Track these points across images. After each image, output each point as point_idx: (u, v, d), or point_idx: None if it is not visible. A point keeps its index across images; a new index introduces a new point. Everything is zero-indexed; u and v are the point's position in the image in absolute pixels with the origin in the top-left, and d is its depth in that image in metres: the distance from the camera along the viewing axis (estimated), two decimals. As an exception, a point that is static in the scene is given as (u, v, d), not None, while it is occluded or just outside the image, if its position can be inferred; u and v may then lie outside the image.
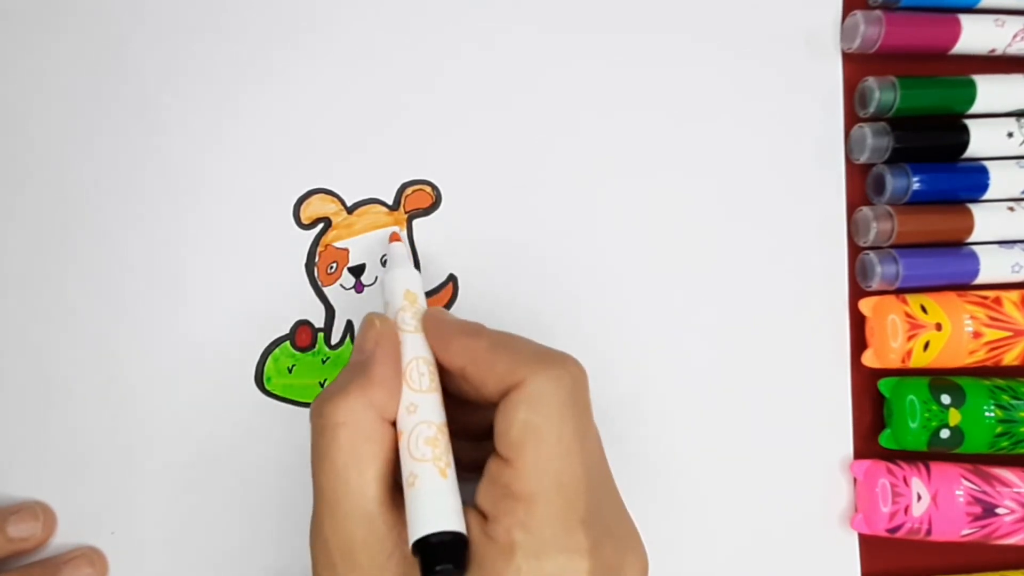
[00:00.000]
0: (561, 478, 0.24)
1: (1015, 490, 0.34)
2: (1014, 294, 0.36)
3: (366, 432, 0.25)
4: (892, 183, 0.36)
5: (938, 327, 0.35)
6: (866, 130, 0.36)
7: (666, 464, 0.36)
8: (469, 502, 0.25)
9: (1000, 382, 0.35)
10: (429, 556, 0.23)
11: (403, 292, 0.29)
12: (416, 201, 0.35)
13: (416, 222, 0.35)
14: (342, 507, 0.24)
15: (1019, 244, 0.36)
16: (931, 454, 0.36)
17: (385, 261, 0.35)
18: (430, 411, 0.26)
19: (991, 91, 0.36)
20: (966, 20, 0.36)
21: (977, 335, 0.35)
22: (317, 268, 0.34)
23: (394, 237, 0.34)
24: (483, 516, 0.24)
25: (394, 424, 0.26)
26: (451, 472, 0.25)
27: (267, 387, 0.34)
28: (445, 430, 0.26)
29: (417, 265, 0.35)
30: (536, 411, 0.24)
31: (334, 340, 0.35)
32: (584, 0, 0.36)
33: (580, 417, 0.25)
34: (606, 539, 0.24)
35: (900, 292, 0.36)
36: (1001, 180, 0.36)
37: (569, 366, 0.26)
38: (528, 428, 0.24)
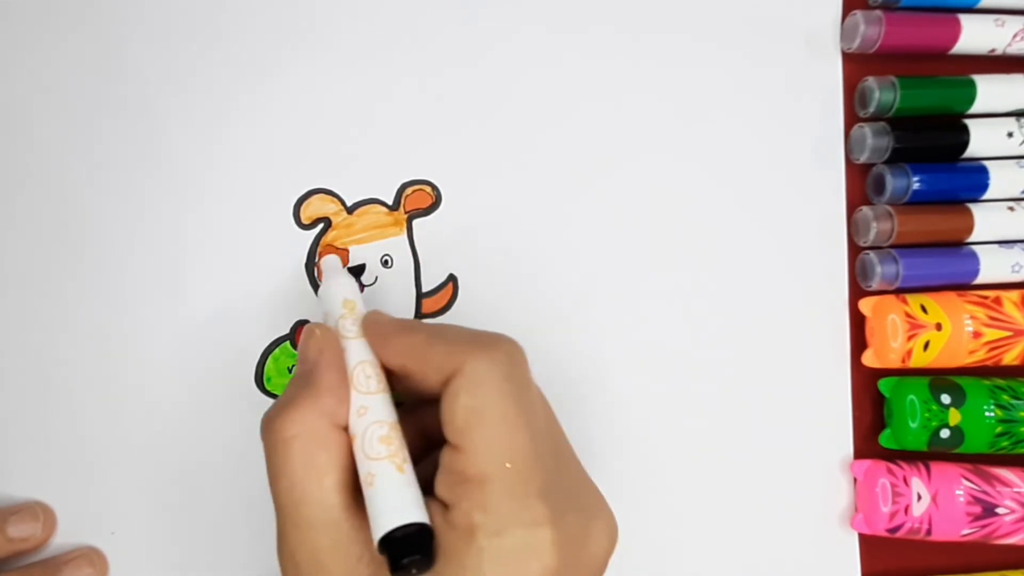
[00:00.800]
0: (511, 454, 0.24)
1: (1015, 490, 0.34)
2: (1014, 294, 0.36)
3: (320, 441, 0.25)
4: (892, 183, 0.36)
5: (938, 327, 0.35)
6: (866, 130, 0.36)
7: (666, 463, 0.36)
8: (429, 495, 0.25)
9: (1000, 382, 0.35)
10: (395, 551, 0.23)
11: (341, 301, 0.29)
12: (416, 201, 0.35)
13: (416, 222, 0.35)
14: (304, 519, 0.24)
15: (1019, 244, 0.36)
16: (931, 454, 0.36)
17: (386, 261, 0.35)
18: (380, 411, 0.26)
19: (991, 91, 0.36)
20: (966, 20, 0.36)
21: (977, 335, 0.35)
22: (317, 268, 0.34)
23: (328, 251, 0.34)
24: (444, 506, 0.24)
25: (346, 430, 0.26)
26: (408, 467, 0.25)
27: (267, 387, 0.34)
28: (398, 428, 0.26)
29: (417, 265, 0.35)
30: (476, 394, 0.24)
31: (334, 340, 0.34)
32: (585, 1, 0.36)
33: (520, 393, 0.25)
34: (568, 508, 0.24)
35: (900, 292, 0.36)
36: (1001, 180, 0.36)
37: (503, 345, 0.26)
38: (470, 412, 0.24)
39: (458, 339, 0.26)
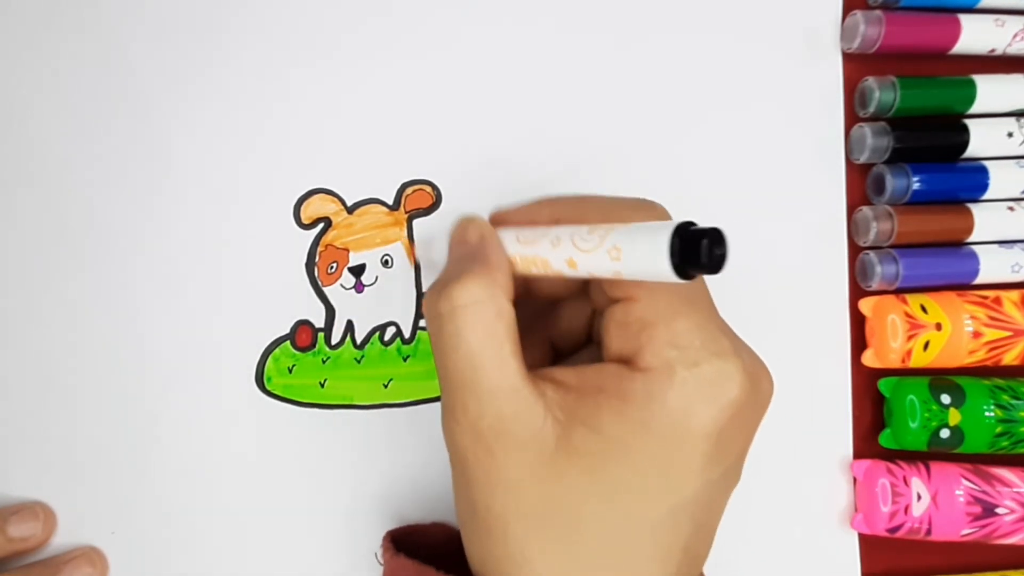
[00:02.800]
0: (689, 295, 0.24)
1: (1015, 490, 0.34)
2: (1014, 294, 0.36)
3: (496, 309, 0.24)
4: (892, 183, 0.36)
5: (938, 327, 0.35)
6: (866, 130, 0.36)
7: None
8: (601, 362, 0.25)
9: (1000, 382, 0.35)
10: (690, 238, 0.22)
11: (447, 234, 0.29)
12: (416, 201, 0.35)
13: (416, 222, 0.35)
14: (487, 387, 0.24)
15: (1019, 244, 0.36)
16: (931, 454, 0.36)
17: (386, 261, 0.35)
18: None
19: (991, 91, 0.36)
20: (966, 20, 0.36)
21: (977, 335, 0.35)
22: (317, 268, 0.34)
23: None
24: (626, 361, 0.24)
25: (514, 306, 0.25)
26: None
27: (267, 387, 0.34)
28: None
29: (418, 265, 0.35)
30: None
31: (334, 340, 0.35)
32: (585, 1, 0.36)
33: None
34: (741, 348, 0.25)
35: (900, 292, 0.36)
36: (1001, 180, 0.36)
37: (657, 209, 0.26)
38: None
39: (614, 201, 0.26)
